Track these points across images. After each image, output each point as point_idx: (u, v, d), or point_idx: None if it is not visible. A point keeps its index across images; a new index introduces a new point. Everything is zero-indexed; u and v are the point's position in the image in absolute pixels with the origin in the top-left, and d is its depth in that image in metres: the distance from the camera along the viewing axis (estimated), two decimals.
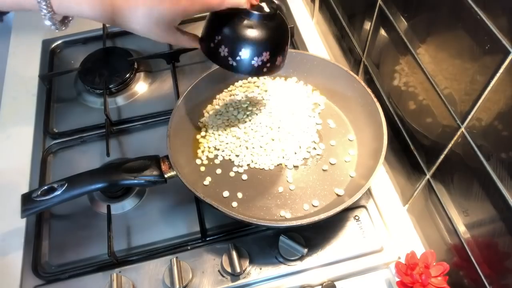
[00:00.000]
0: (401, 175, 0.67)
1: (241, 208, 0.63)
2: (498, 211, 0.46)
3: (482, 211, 0.49)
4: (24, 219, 0.67)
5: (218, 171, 0.68)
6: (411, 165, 0.63)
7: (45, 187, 0.55)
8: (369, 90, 0.67)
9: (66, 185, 0.55)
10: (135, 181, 0.58)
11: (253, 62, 0.54)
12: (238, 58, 0.53)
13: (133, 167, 0.59)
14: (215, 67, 0.73)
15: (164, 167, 0.60)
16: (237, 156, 0.69)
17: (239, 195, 0.65)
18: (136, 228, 0.67)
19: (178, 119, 0.68)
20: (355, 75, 0.69)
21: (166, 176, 0.60)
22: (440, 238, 0.59)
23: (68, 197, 0.56)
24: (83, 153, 0.76)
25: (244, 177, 0.67)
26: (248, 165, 0.68)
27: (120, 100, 0.83)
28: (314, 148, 0.69)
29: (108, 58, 0.87)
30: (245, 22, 0.53)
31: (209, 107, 0.75)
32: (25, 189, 0.71)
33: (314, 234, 0.63)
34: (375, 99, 0.66)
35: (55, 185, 0.55)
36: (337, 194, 0.64)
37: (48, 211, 0.69)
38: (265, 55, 0.54)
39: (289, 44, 0.58)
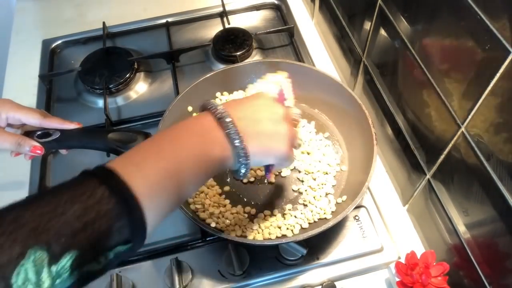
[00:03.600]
0: (401, 175, 0.67)
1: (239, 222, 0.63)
2: (498, 211, 0.46)
3: (482, 211, 0.49)
4: None
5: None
6: (411, 165, 0.63)
7: (43, 131, 0.58)
8: (363, 107, 0.65)
9: (59, 134, 0.58)
10: (118, 149, 0.58)
11: None
12: None
13: (121, 138, 0.59)
14: (215, 70, 0.73)
15: None
16: None
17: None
18: None
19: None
20: (350, 90, 0.68)
21: None
22: (440, 238, 0.59)
23: (60, 146, 0.60)
24: (83, 153, 0.75)
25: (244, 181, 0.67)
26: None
27: (120, 100, 0.83)
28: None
29: (108, 58, 0.87)
30: None
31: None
32: (25, 189, 0.71)
33: None
34: (370, 120, 0.64)
35: (51, 132, 0.58)
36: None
37: None
38: None
39: None
